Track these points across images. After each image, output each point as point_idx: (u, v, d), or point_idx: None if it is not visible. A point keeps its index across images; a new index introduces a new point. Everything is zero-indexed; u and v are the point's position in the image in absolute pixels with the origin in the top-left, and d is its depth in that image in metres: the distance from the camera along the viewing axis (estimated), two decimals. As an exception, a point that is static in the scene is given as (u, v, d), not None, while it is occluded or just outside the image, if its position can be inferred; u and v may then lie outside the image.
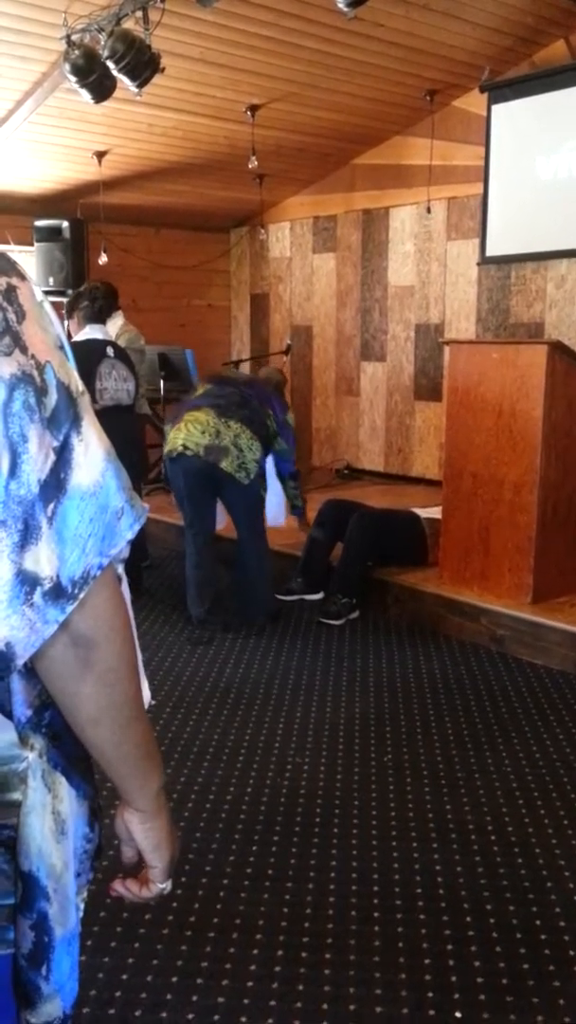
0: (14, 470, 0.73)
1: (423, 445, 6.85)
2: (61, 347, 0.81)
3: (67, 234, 6.52)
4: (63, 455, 0.77)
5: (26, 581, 0.74)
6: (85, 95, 4.47)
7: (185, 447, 3.95)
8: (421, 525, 4.54)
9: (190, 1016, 1.82)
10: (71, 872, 0.89)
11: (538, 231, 5.68)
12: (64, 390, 0.78)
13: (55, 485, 0.76)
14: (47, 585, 0.75)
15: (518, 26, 5.18)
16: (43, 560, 0.75)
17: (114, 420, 4.34)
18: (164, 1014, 1.82)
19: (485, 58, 5.49)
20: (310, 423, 7.69)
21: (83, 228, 6.67)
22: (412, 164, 6.49)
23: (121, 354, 4.49)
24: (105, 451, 0.81)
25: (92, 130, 5.69)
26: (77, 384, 0.81)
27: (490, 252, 6.02)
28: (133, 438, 4.72)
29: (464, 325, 6.39)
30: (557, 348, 3.86)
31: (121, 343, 4.75)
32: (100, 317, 4.51)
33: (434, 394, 6.57)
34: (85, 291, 4.53)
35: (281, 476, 4.43)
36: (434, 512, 4.53)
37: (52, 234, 6.57)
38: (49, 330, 0.80)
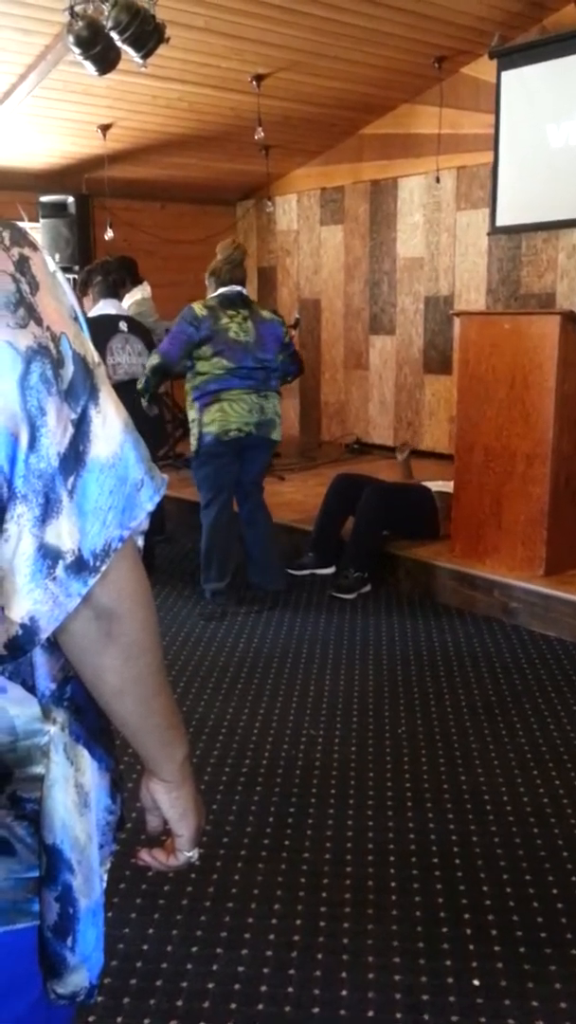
0: (33, 444, 0.73)
1: (433, 419, 6.81)
2: (75, 318, 0.81)
3: (72, 210, 6.48)
4: (81, 427, 0.77)
5: (48, 555, 0.74)
6: (89, 67, 4.42)
7: (239, 429, 3.96)
8: (433, 499, 4.52)
9: (211, 985, 1.84)
10: (94, 844, 0.89)
11: (549, 200, 5.60)
12: (80, 361, 0.78)
13: (74, 458, 0.76)
14: (69, 559, 0.75)
15: (528, -11, 5.09)
16: (64, 534, 0.75)
17: (130, 395, 4.35)
18: (184, 984, 1.84)
19: (494, 23, 5.39)
20: (319, 397, 7.66)
21: (88, 203, 6.62)
22: (420, 133, 6.40)
23: (136, 328, 4.47)
24: (123, 423, 0.81)
25: (96, 103, 5.63)
26: (93, 355, 0.80)
27: (500, 222, 5.95)
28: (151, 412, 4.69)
29: (474, 296, 6.33)
30: (570, 318, 3.82)
31: None
32: (114, 292, 4.48)
33: (444, 367, 6.53)
34: (97, 266, 4.51)
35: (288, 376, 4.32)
36: (445, 486, 4.51)
37: (57, 210, 6.52)
38: (63, 301, 0.79)
